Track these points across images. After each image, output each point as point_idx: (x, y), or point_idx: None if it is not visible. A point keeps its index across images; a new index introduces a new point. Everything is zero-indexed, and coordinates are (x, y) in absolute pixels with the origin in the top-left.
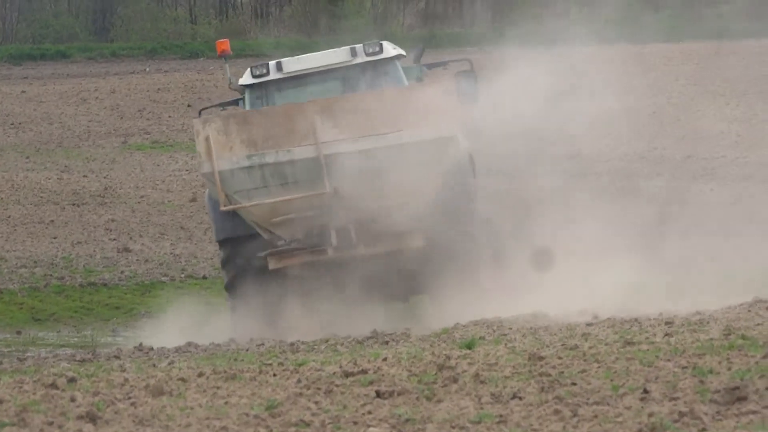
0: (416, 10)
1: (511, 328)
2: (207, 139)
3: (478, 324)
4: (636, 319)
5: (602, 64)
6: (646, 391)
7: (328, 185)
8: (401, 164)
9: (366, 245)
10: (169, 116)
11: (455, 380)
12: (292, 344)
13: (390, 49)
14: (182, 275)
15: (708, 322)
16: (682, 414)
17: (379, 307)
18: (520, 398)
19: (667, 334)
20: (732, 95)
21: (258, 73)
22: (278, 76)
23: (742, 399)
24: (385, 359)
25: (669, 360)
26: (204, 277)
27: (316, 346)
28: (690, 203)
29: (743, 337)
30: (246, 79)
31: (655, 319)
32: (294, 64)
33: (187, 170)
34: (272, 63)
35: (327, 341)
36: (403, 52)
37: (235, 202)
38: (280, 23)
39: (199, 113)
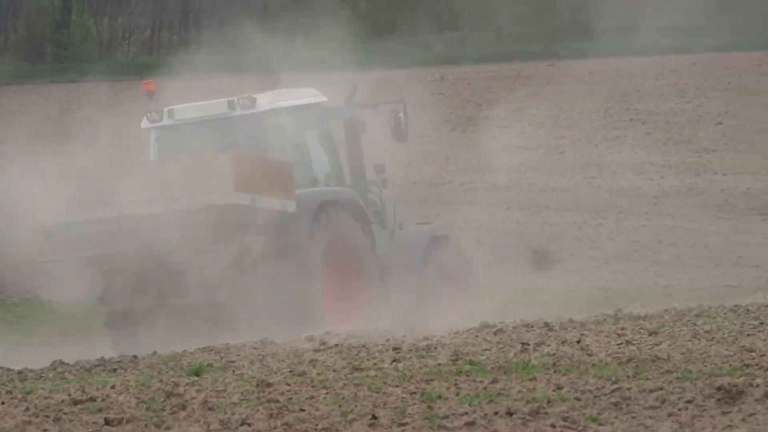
0: (141, 39)
1: (239, 355)
2: (33, 197)
3: (206, 351)
4: (364, 345)
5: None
6: (374, 417)
7: (128, 243)
8: (187, 227)
9: (178, 297)
10: None
11: (184, 407)
12: (20, 372)
13: (264, 103)
14: None
15: (436, 348)
16: None
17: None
18: (249, 425)
19: (395, 360)
20: (458, 121)
21: (153, 119)
22: (170, 122)
23: (470, 424)
24: (113, 387)
25: (397, 386)
26: None
27: (44, 374)
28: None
29: (471, 363)
30: (144, 123)
31: (382, 344)
32: (183, 112)
33: None
34: (166, 109)
35: (55, 369)
36: (314, 100)
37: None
38: (5, 51)
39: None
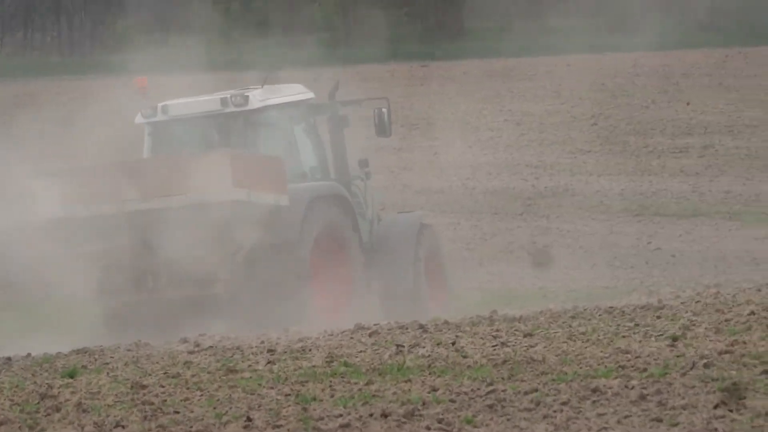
0: (14, 39)
1: (113, 357)
2: (32, 192)
3: (80, 353)
4: (238, 347)
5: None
6: (249, 419)
7: (129, 238)
8: (188, 222)
9: (174, 289)
10: None
11: (58, 409)
12: None
13: (256, 101)
14: None
15: (310, 350)
16: None
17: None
18: (124, 427)
19: (269, 362)
20: None
21: (147, 114)
22: (163, 118)
23: (345, 426)
24: None
25: (272, 387)
26: None
27: None
28: None
29: (346, 364)
30: (138, 118)
31: (257, 346)
32: (177, 108)
33: None
34: (160, 105)
35: None
36: (302, 96)
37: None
38: None
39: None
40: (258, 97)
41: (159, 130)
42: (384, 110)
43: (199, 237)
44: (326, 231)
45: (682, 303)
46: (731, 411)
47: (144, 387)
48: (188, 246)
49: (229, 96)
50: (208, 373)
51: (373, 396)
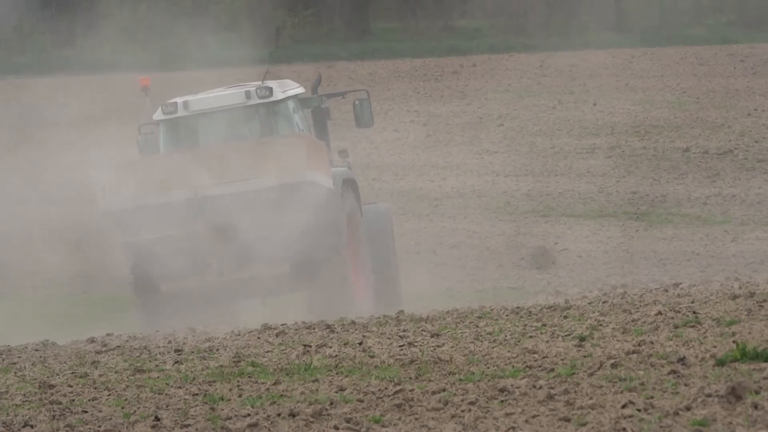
0: None
1: (20, 357)
2: (102, 183)
3: None
4: (146, 347)
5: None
6: (157, 419)
7: (202, 223)
8: (259, 205)
9: (242, 271)
10: None
11: None
12: None
13: (278, 92)
14: None
15: (218, 350)
16: None
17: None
18: (32, 426)
19: (177, 362)
20: None
21: (168, 110)
22: (185, 113)
23: (253, 426)
24: None
25: (180, 387)
26: None
27: None
28: None
29: (253, 364)
30: (158, 115)
31: (164, 346)
32: (198, 103)
33: None
34: (180, 101)
35: None
36: (300, 89)
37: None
38: None
39: (139, 129)
40: (279, 89)
41: (178, 126)
42: (366, 102)
43: (270, 219)
44: (350, 214)
45: (589, 303)
46: (639, 411)
47: (52, 386)
48: (258, 227)
49: (254, 89)
50: (116, 372)
51: (281, 396)
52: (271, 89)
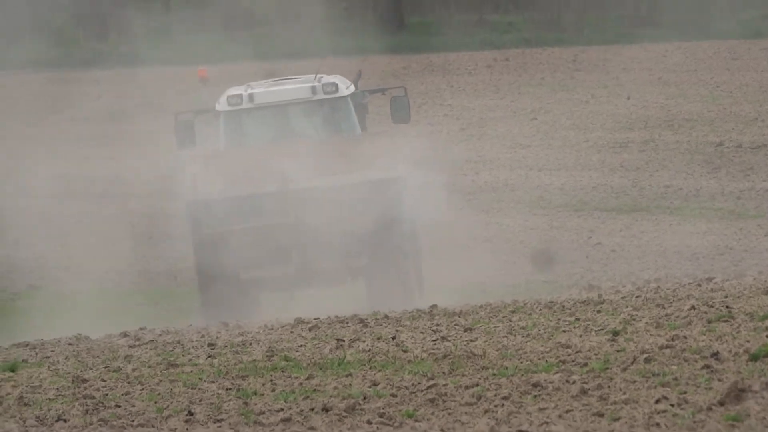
0: None
1: (54, 351)
2: (193, 173)
3: (20, 347)
4: (179, 341)
5: None
6: (190, 413)
7: (291, 215)
8: (349, 199)
9: (321, 261)
10: None
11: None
12: None
13: (344, 89)
14: None
15: (251, 344)
16: None
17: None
18: (65, 420)
19: (210, 356)
20: None
21: (233, 102)
22: (249, 106)
23: (286, 420)
24: None
25: (213, 382)
26: None
27: None
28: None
29: (286, 359)
30: (222, 106)
31: (197, 340)
32: (264, 96)
33: None
34: (245, 94)
35: None
36: (353, 86)
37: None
38: None
39: (175, 117)
40: (343, 84)
41: (241, 118)
42: (403, 98)
43: (358, 212)
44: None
45: (622, 298)
46: (672, 406)
47: (85, 381)
48: (344, 221)
49: (319, 84)
50: (149, 367)
51: (314, 390)
52: (336, 85)
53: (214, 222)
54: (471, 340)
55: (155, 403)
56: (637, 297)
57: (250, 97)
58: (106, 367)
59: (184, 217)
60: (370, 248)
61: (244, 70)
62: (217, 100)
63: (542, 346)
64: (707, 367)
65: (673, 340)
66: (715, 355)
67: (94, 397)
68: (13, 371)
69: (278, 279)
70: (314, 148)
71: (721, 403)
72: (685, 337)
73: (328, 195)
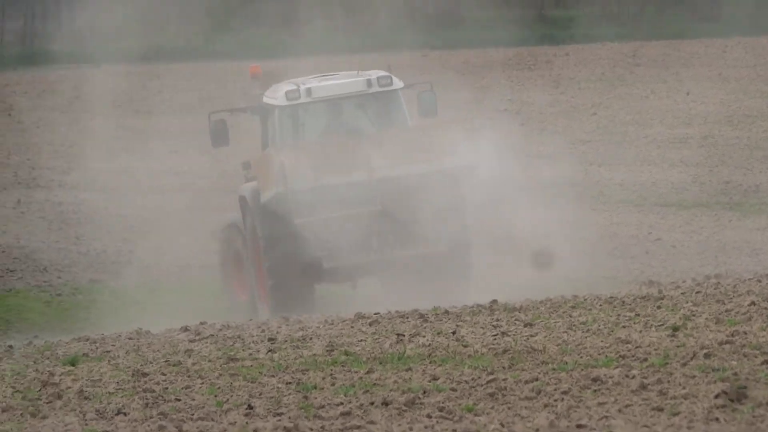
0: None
1: (114, 345)
2: (282, 164)
3: (81, 341)
4: (239, 336)
5: None
6: (250, 407)
7: (377, 203)
8: (433, 187)
9: (401, 249)
10: None
11: (59, 397)
12: None
13: (398, 82)
14: None
15: (311, 339)
16: (287, 429)
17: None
18: (125, 414)
19: (270, 350)
20: None
21: (291, 96)
22: (307, 100)
23: (346, 414)
24: None
25: (273, 376)
26: None
27: None
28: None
29: (346, 353)
30: (280, 100)
31: (258, 335)
32: (321, 90)
33: None
34: (303, 88)
35: None
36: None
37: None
38: None
39: (209, 117)
40: (396, 78)
41: (298, 112)
42: (431, 92)
43: (441, 200)
44: None
45: (682, 293)
46: (732, 401)
47: (145, 375)
48: (422, 209)
49: (374, 78)
50: (209, 361)
51: (374, 384)
52: (391, 78)
53: (305, 211)
54: (531, 336)
55: (215, 397)
56: (697, 293)
57: (308, 91)
58: (166, 361)
59: (268, 208)
60: (449, 236)
61: (304, 64)
62: (263, 96)
63: (602, 341)
64: (767, 362)
65: (732, 335)
66: None
67: (153, 391)
68: (73, 365)
69: (359, 267)
70: (396, 137)
71: None
72: (745, 333)
73: (413, 182)
